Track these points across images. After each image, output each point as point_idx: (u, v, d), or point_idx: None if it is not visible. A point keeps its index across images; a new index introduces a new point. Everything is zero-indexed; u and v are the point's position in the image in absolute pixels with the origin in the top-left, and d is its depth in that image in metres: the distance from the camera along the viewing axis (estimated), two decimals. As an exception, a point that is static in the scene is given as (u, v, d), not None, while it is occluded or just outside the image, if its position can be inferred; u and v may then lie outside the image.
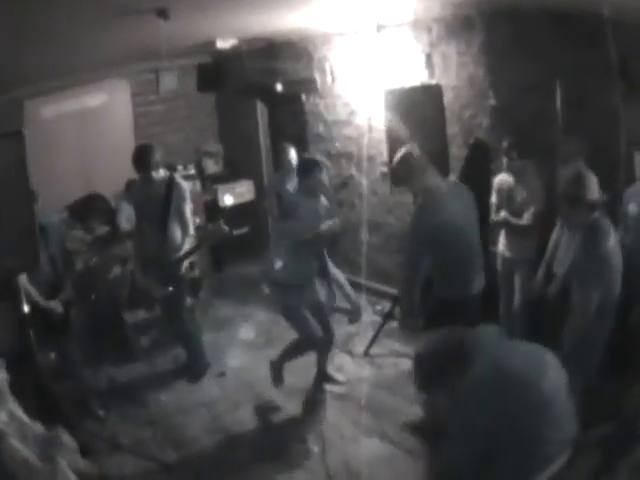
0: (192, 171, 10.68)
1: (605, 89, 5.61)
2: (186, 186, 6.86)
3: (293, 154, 8.13)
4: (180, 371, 7.22)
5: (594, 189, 4.66)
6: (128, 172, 9.66)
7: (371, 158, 8.42)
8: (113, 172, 9.59)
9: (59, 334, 6.05)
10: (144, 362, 7.54)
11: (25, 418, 4.00)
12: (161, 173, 6.75)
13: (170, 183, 6.67)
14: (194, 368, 7.09)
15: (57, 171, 9.14)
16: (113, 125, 10.54)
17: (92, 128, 10.11)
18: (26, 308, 5.32)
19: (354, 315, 8.05)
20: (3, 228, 4.49)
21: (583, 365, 4.65)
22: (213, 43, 8.22)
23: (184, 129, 11.25)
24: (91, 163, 9.92)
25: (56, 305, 5.93)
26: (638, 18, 5.09)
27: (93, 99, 10.29)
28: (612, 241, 4.65)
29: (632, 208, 5.30)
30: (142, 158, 6.58)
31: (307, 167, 6.02)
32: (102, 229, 7.75)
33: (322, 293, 6.28)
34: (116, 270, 7.92)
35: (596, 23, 5.43)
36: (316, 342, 6.10)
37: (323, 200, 6.14)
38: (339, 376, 6.69)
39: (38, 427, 4.11)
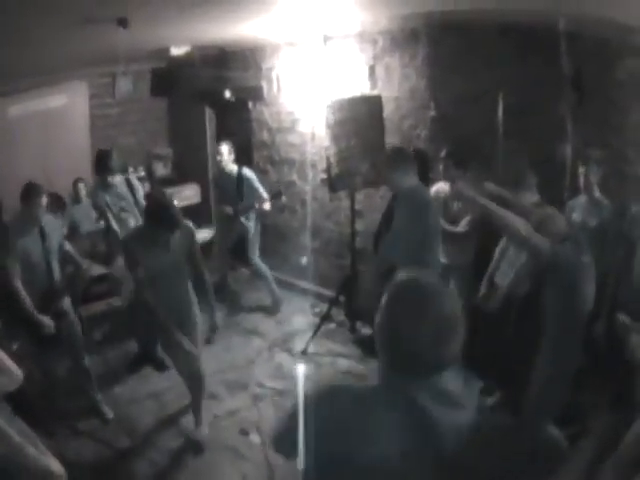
0: (142, 173, 10.25)
1: (553, 100, 5.29)
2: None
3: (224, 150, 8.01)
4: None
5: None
6: (84, 172, 9.40)
7: (313, 165, 8.10)
8: (71, 172, 9.36)
9: (46, 347, 5.48)
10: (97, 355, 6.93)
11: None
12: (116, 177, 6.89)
13: (129, 183, 6.98)
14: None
15: (20, 170, 8.40)
16: (72, 126, 10.15)
17: (53, 128, 9.78)
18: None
19: (274, 308, 8.04)
20: None
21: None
22: (167, 50, 8.03)
23: (137, 132, 10.83)
24: (51, 163, 9.47)
25: (48, 322, 5.31)
26: (594, 30, 4.81)
27: (55, 100, 9.95)
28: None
29: (575, 218, 4.98)
30: (103, 162, 6.70)
31: None
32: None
33: None
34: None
35: (547, 35, 5.14)
36: None
37: None
38: None
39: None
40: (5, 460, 3.31)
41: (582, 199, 5.06)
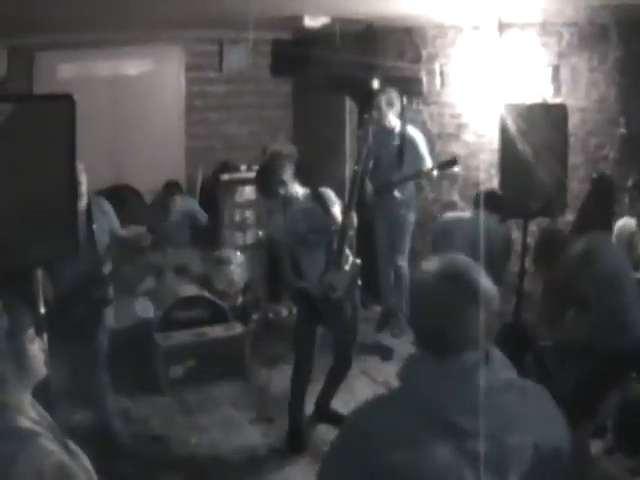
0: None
1: None
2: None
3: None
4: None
5: None
6: (170, 165, 10.90)
7: (475, 185, 9.45)
8: (151, 163, 10.80)
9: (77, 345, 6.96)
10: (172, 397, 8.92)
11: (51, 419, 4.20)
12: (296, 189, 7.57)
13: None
14: None
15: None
16: (157, 103, 11.49)
17: (127, 103, 11.06)
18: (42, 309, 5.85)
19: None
20: (37, 209, 5.15)
21: None
22: (300, 19, 9.18)
23: (250, 120, 12.34)
24: (122, 147, 10.82)
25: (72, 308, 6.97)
26: None
27: (132, 65, 11.23)
28: None
29: None
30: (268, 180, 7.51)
31: None
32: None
33: None
34: (149, 282, 9.36)
35: None
36: None
37: None
38: None
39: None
40: None
41: None
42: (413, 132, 9.48)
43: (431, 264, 2.90)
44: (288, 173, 7.38)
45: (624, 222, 7.32)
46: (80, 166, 6.58)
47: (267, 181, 7.42)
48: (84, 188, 7.01)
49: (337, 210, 7.33)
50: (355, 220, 7.38)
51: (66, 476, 3.60)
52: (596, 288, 6.32)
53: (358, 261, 7.51)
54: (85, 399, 7.71)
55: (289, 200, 7.44)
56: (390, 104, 9.35)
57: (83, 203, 7.03)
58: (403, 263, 9.77)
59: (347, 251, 7.44)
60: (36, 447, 3.52)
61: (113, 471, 6.43)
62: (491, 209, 7.76)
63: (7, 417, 3.57)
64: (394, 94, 9.39)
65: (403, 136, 9.38)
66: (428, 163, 9.14)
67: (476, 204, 8.33)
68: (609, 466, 6.70)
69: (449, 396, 2.70)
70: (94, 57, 10.69)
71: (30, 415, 3.73)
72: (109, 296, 7.47)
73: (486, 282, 2.82)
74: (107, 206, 7.74)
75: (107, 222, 7.51)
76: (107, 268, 7.38)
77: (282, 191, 7.34)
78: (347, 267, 7.38)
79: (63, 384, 6.78)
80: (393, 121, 9.45)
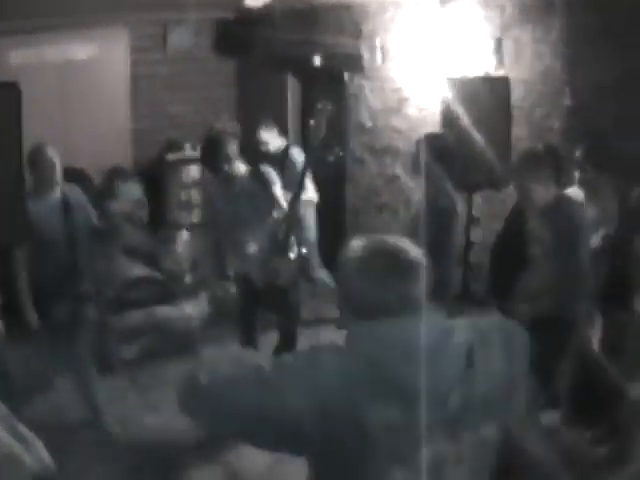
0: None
1: None
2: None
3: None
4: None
5: None
6: (118, 147, 10.68)
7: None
8: (99, 145, 10.55)
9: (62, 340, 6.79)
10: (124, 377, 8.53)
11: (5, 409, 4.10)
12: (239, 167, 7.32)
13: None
14: None
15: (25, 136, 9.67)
16: (104, 85, 11.26)
17: (75, 86, 10.81)
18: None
19: None
20: None
21: None
22: None
23: (194, 99, 12.09)
24: (71, 130, 10.50)
25: (32, 317, 6.60)
26: None
27: (81, 49, 10.94)
28: None
29: None
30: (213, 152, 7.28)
31: None
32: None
33: None
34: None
35: None
36: None
37: None
38: None
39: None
40: None
41: None
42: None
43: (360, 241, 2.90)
44: (232, 149, 7.11)
45: (572, 192, 6.92)
46: (54, 153, 6.63)
47: (212, 155, 7.19)
48: (58, 175, 6.76)
49: (278, 190, 7.26)
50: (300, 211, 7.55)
51: (14, 463, 3.57)
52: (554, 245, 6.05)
53: (304, 250, 7.52)
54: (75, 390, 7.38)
55: (232, 179, 7.19)
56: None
57: (57, 192, 6.81)
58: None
59: (293, 239, 7.21)
60: None
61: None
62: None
63: None
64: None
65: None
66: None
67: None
68: (568, 437, 6.37)
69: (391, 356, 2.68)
70: (43, 42, 10.50)
71: None
72: (88, 290, 7.15)
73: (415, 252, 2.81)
74: (83, 198, 7.32)
75: (83, 213, 7.11)
76: (84, 261, 7.06)
77: (226, 167, 7.07)
78: (292, 255, 7.18)
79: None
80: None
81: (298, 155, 9.09)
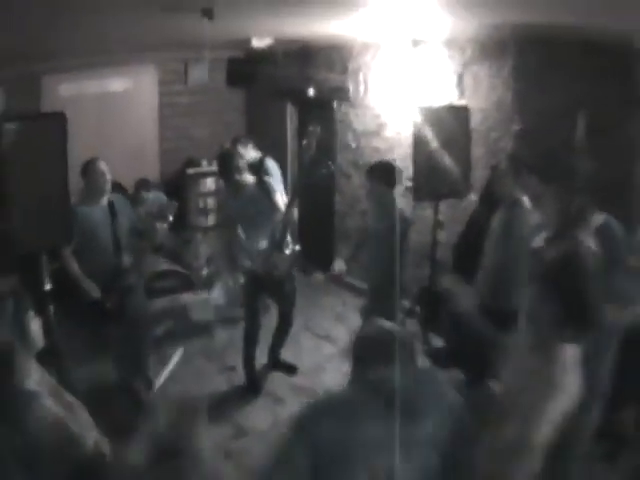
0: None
1: (626, 120, 6.62)
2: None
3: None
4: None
5: None
6: (148, 163, 10.77)
7: (398, 172, 8.86)
8: (133, 163, 10.68)
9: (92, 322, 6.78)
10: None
11: (55, 382, 4.04)
12: (247, 177, 7.50)
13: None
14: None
15: (71, 155, 9.53)
16: (136, 113, 11.48)
17: (113, 114, 11.03)
18: (48, 285, 5.68)
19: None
20: (37, 204, 5.12)
21: None
22: (248, 41, 9.23)
23: (211, 124, 12.24)
24: (109, 151, 9.97)
25: (92, 287, 6.66)
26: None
27: (117, 83, 11.21)
28: None
29: None
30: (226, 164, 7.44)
31: None
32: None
33: None
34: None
35: (625, 53, 6.48)
36: None
37: None
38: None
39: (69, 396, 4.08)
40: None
41: None
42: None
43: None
44: (242, 162, 7.45)
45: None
46: (105, 167, 6.89)
47: (226, 165, 7.38)
48: (109, 185, 6.97)
49: (278, 197, 7.45)
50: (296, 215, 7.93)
51: (63, 430, 3.54)
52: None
53: (297, 247, 7.52)
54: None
55: (241, 187, 7.37)
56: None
57: (105, 200, 6.95)
58: None
59: (288, 238, 7.38)
60: (37, 407, 3.51)
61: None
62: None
63: (15, 380, 3.55)
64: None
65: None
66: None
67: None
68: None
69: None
70: (86, 78, 10.71)
71: (34, 378, 3.70)
72: (132, 285, 7.17)
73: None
74: (126, 202, 7.52)
75: (127, 217, 7.17)
76: (128, 260, 7.14)
77: (237, 176, 7.31)
78: (288, 251, 7.35)
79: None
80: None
81: (272, 165, 9.25)
